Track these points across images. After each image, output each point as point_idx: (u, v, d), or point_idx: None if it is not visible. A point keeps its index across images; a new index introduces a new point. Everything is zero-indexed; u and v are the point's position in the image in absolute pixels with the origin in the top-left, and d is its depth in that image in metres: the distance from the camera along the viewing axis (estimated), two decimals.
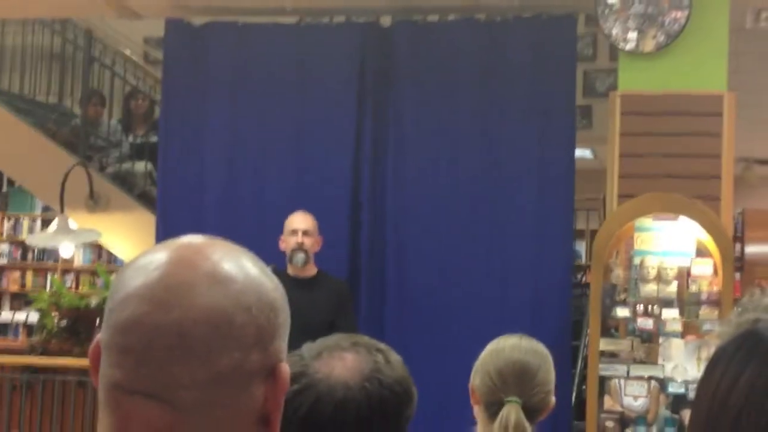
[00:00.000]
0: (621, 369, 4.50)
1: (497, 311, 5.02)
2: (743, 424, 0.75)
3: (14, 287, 10.38)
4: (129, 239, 6.77)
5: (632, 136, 4.98)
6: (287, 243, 4.68)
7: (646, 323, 4.60)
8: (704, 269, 4.66)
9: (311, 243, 4.69)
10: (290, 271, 4.59)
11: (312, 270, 4.73)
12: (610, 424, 4.45)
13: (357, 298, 5.24)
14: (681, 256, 4.71)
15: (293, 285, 4.35)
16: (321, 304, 4.51)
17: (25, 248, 10.34)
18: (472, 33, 5.32)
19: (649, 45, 5.00)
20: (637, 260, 4.72)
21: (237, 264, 0.92)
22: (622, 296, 4.71)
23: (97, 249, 9.75)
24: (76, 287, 10.01)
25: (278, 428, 0.94)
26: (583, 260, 8.69)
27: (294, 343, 0.98)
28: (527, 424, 2.10)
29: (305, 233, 4.68)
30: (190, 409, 0.88)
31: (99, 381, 0.91)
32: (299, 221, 4.71)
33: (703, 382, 0.82)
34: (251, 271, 0.93)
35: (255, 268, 0.94)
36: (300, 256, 4.65)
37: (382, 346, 1.44)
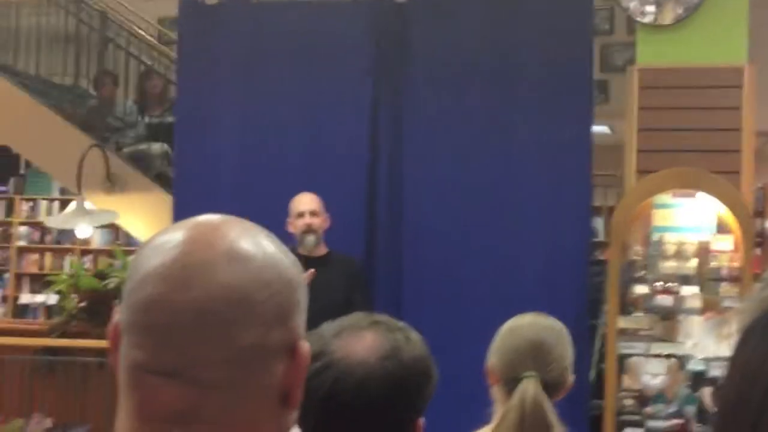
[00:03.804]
0: (640, 347, 4.49)
1: (514, 289, 5.00)
2: None
3: (33, 269, 10.46)
4: (146, 220, 6.80)
5: (651, 111, 4.94)
6: (295, 226, 4.69)
7: (665, 300, 4.57)
8: (724, 245, 4.63)
9: (319, 223, 4.70)
10: (301, 251, 4.60)
11: (322, 249, 4.74)
12: (629, 402, 4.45)
13: (374, 276, 5.23)
14: (701, 231, 4.68)
15: (305, 265, 4.34)
16: (333, 283, 4.52)
17: (43, 230, 10.41)
18: (486, 7, 5.28)
19: (667, 17, 4.95)
20: (656, 237, 4.70)
21: (254, 242, 0.92)
22: (641, 273, 4.68)
23: (115, 230, 9.81)
24: (94, 269, 10.06)
25: (298, 405, 0.94)
26: (601, 237, 8.65)
27: (309, 323, 0.97)
28: (546, 399, 2.10)
29: (312, 214, 4.68)
30: (212, 387, 0.88)
31: (119, 362, 0.91)
32: (305, 203, 4.72)
33: (735, 357, 0.81)
34: (269, 249, 0.92)
35: (272, 246, 0.93)
36: (311, 238, 4.66)
37: (402, 324, 1.43)
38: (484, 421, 2.21)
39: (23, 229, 10.55)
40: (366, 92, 5.35)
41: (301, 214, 4.69)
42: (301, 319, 0.94)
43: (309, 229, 4.66)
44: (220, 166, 5.49)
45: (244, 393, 0.89)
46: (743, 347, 0.79)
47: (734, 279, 4.53)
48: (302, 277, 0.96)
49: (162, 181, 6.88)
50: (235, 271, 0.88)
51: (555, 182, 5.11)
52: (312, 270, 4.06)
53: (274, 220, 4.45)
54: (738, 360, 0.79)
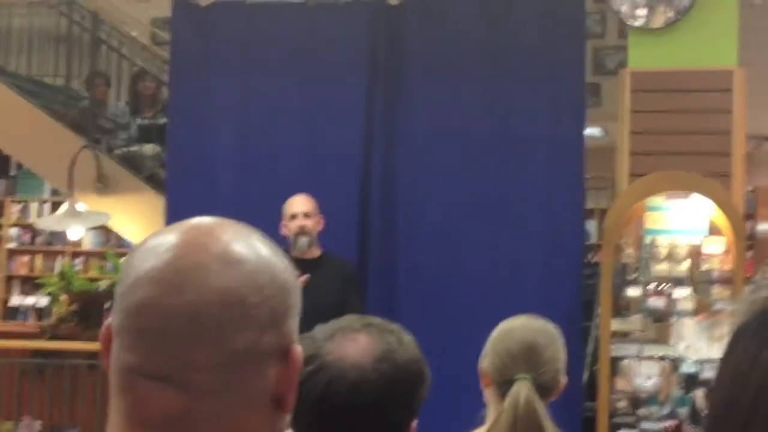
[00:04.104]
0: (633, 349, 4.50)
1: (508, 291, 5.01)
2: (764, 399, 0.74)
3: (23, 271, 10.42)
4: (138, 222, 6.79)
5: (643, 114, 4.95)
6: (289, 228, 4.67)
7: (657, 303, 4.58)
8: (716, 247, 4.64)
9: (313, 225, 4.68)
10: (295, 253, 4.58)
11: (316, 251, 4.73)
12: (622, 404, 4.45)
13: (367, 278, 5.23)
14: (692, 234, 4.69)
15: (298, 267, 4.32)
16: (327, 286, 4.50)
17: (34, 232, 10.38)
18: (480, 10, 5.29)
19: (658, 21, 4.96)
20: (648, 239, 4.71)
21: (248, 245, 0.92)
22: (634, 276, 4.69)
23: (106, 232, 9.78)
24: (85, 271, 10.04)
25: (291, 409, 0.94)
26: (594, 240, 8.67)
27: (302, 326, 0.97)
28: (538, 401, 2.10)
29: (306, 215, 4.66)
30: (205, 391, 0.87)
31: (111, 365, 0.91)
32: (298, 204, 4.70)
33: (725, 361, 0.81)
34: (262, 252, 0.92)
35: (266, 249, 0.93)
36: (303, 241, 4.64)
37: (394, 326, 1.43)
38: (477, 423, 2.21)
39: (14, 230, 10.51)
40: (360, 94, 5.35)
41: (294, 216, 4.68)
42: (294, 322, 0.93)
43: (302, 231, 4.65)
44: (212, 168, 5.48)
45: (237, 397, 0.88)
46: (733, 349, 0.79)
47: (726, 281, 4.54)
48: (296, 280, 0.95)
49: (154, 182, 6.87)
50: (229, 275, 0.88)
51: (548, 185, 5.12)
52: (306, 276, 4.06)
53: (268, 222, 4.44)
54: (728, 362, 0.79)
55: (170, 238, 0.90)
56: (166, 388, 0.87)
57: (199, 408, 0.87)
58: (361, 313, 1.54)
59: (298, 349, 0.92)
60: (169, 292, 0.87)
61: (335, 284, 4.59)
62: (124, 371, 0.89)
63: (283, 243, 4.55)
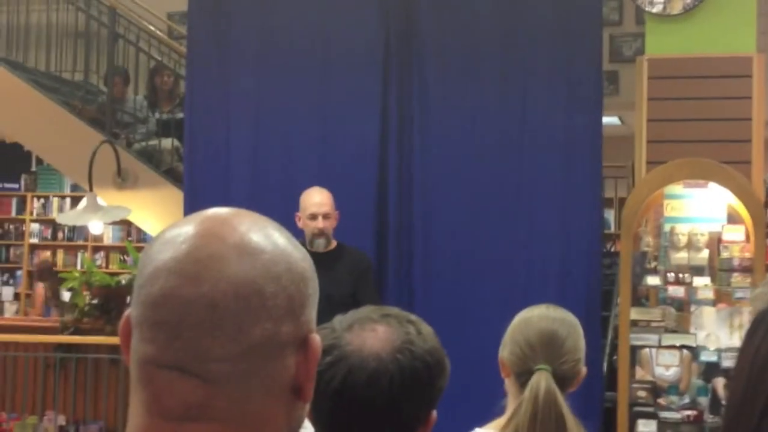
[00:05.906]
0: (652, 338, 4.48)
1: (526, 282, 5.00)
2: None
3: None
4: (157, 216, 6.82)
5: (660, 101, 4.92)
6: (306, 225, 4.65)
7: (677, 291, 4.56)
8: (736, 235, 4.61)
9: (331, 223, 4.67)
10: (309, 249, 4.58)
11: (331, 244, 4.72)
12: (642, 393, 4.44)
13: (385, 270, 5.23)
14: (712, 222, 4.66)
15: (313, 260, 4.32)
16: (342, 278, 4.50)
17: (55, 227, 10.45)
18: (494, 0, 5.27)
19: (676, 7, 4.93)
20: (667, 228, 4.68)
21: (265, 234, 0.91)
22: (653, 264, 4.67)
23: (127, 226, 9.84)
24: (107, 265, 10.10)
25: (311, 398, 0.94)
26: (612, 229, 8.64)
27: (318, 318, 0.97)
28: (558, 392, 2.10)
29: (325, 217, 4.65)
30: (223, 381, 0.87)
31: (130, 357, 0.91)
32: (318, 204, 4.66)
33: (745, 345, 0.81)
34: (279, 241, 0.92)
35: (282, 238, 0.93)
36: (321, 242, 4.63)
37: (413, 317, 1.43)
38: (497, 413, 2.21)
39: (35, 226, 10.59)
40: (376, 82, 5.35)
41: (313, 216, 4.65)
42: (312, 312, 0.93)
43: (320, 233, 4.64)
44: (230, 162, 5.50)
45: (256, 387, 0.89)
46: (752, 337, 0.79)
47: (746, 269, 4.51)
48: (313, 269, 0.95)
49: (173, 176, 6.90)
50: (246, 265, 0.88)
51: (565, 174, 5.09)
52: None
53: (285, 217, 4.46)
54: (747, 350, 0.79)
55: (187, 229, 0.90)
56: (186, 379, 0.87)
57: (218, 398, 0.87)
58: (376, 304, 1.54)
59: (317, 339, 0.92)
60: (186, 282, 0.87)
61: (349, 276, 4.59)
62: (143, 363, 0.89)
63: (298, 236, 4.56)
